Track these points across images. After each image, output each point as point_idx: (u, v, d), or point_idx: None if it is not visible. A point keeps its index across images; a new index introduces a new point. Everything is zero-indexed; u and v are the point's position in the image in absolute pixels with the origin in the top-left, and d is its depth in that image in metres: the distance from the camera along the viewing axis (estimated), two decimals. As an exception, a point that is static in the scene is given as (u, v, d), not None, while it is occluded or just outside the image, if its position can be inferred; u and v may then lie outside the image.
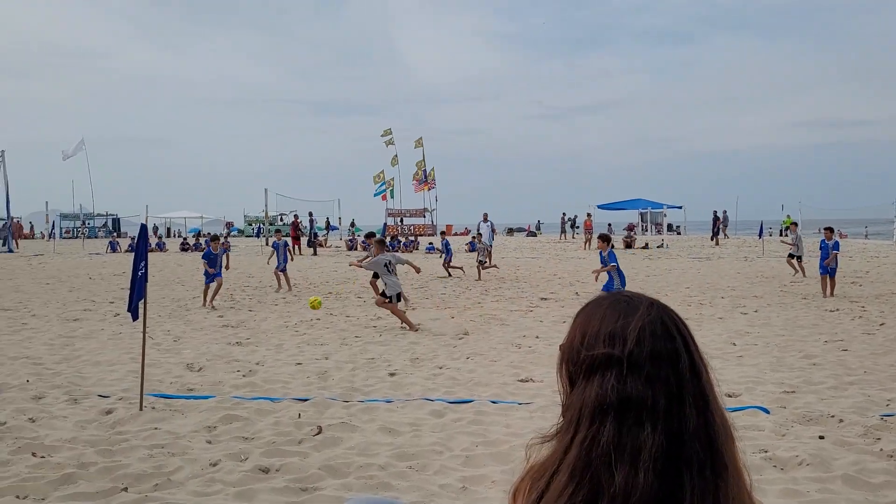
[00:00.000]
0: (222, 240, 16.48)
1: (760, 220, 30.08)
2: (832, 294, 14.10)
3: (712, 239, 37.67)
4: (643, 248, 34.34)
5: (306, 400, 6.26)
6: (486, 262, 20.60)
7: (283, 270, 16.64)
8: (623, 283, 11.56)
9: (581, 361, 1.16)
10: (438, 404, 6.14)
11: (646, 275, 20.29)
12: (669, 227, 49.34)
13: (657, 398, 1.09)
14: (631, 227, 43.52)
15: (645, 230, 48.67)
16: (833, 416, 5.54)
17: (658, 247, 34.71)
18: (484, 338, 9.80)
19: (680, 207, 47.17)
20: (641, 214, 49.60)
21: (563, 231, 45.43)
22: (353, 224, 49.16)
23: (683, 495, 1.05)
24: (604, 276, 12.02)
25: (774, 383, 6.83)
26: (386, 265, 10.94)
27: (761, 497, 3.97)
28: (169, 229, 59.42)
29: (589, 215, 37.63)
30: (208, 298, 13.51)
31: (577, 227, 46.57)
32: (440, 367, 7.83)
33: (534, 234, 53.96)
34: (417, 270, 12.52)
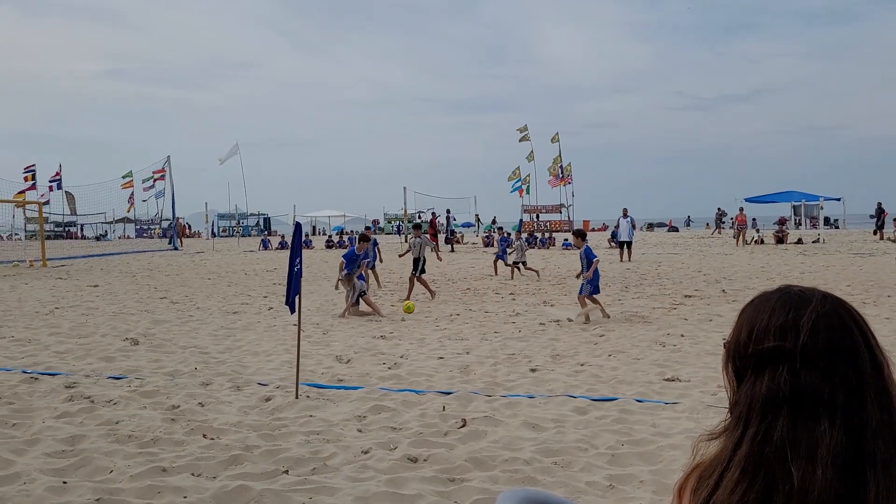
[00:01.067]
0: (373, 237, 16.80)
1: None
2: None
3: (875, 233, 34.84)
4: (796, 242, 32.32)
5: (450, 393, 6.40)
6: (524, 262, 18.96)
7: (373, 268, 16.94)
8: (595, 282, 11.23)
9: (749, 356, 1.15)
10: (581, 401, 6.09)
11: (800, 272, 19.10)
12: (826, 220, 46.10)
13: (835, 393, 1.06)
14: (782, 221, 41.05)
15: (799, 224, 45.74)
16: None
17: (814, 242, 32.56)
18: (626, 335, 9.60)
19: (838, 199, 43.82)
20: (794, 207, 46.63)
21: (718, 226, 43.63)
22: (494, 221, 49.38)
23: (868, 493, 1.02)
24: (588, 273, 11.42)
25: None
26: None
27: None
28: (314, 227, 62.33)
29: (741, 209, 35.82)
30: (347, 305, 12.13)
31: (724, 222, 44.53)
32: (581, 364, 7.75)
33: (675, 230, 52.09)
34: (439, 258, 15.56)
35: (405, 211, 41.48)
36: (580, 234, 12.14)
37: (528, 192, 52.14)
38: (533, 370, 7.50)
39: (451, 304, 13.46)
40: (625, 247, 25.10)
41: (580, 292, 11.47)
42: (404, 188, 40.25)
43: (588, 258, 11.40)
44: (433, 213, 39.34)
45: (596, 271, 11.30)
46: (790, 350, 1.10)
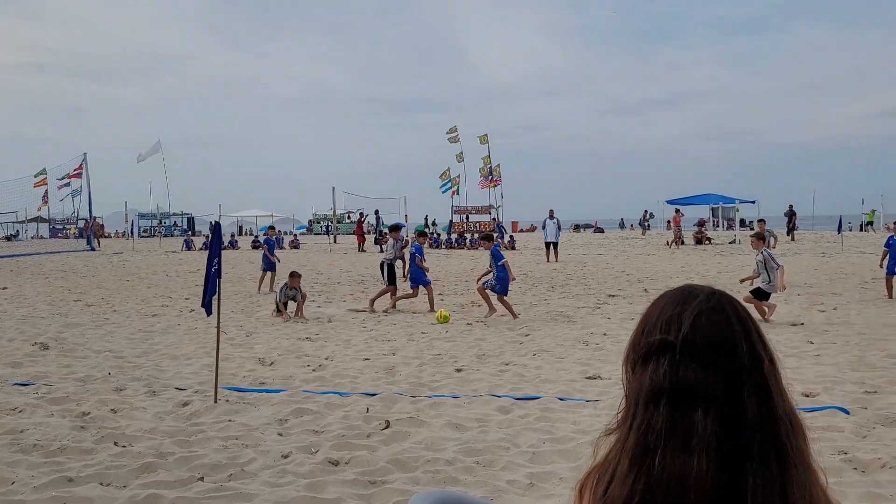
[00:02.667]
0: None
1: (839, 215, 28.94)
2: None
3: (788, 234, 36.42)
4: (707, 242, 33.45)
5: (374, 395, 6.34)
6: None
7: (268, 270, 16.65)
8: (501, 280, 11.49)
9: (640, 350, 1.18)
10: (505, 400, 6.13)
11: (717, 271, 19.77)
12: (742, 222, 47.92)
13: (710, 384, 1.07)
14: (701, 223, 42.46)
15: (716, 226, 47.40)
16: (919, 418, 5.29)
17: (730, 242, 33.78)
18: (551, 335, 9.73)
19: (753, 202, 45.63)
20: (713, 210, 48.30)
21: (644, 227, 44.90)
22: (434, 223, 49.10)
23: (746, 486, 1.03)
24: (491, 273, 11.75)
25: (855, 383, 6.57)
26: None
27: (842, 500, 3.83)
28: (241, 227, 61.06)
29: (678, 211, 36.83)
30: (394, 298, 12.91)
31: (648, 224, 45.81)
32: (507, 364, 7.81)
33: (601, 231, 53.26)
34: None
35: (334, 211, 41.08)
36: (487, 238, 12.46)
37: (458, 193, 52.39)
38: (458, 370, 7.51)
39: (379, 305, 13.36)
40: (551, 247, 25.50)
41: (485, 283, 11.67)
42: (333, 188, 39.88)
43: (495, 259, 11.55)
44: (361, 214, 39.10)
45: (504, 273, 11.43)
46: (672, 342, 1.12)
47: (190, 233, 51.09)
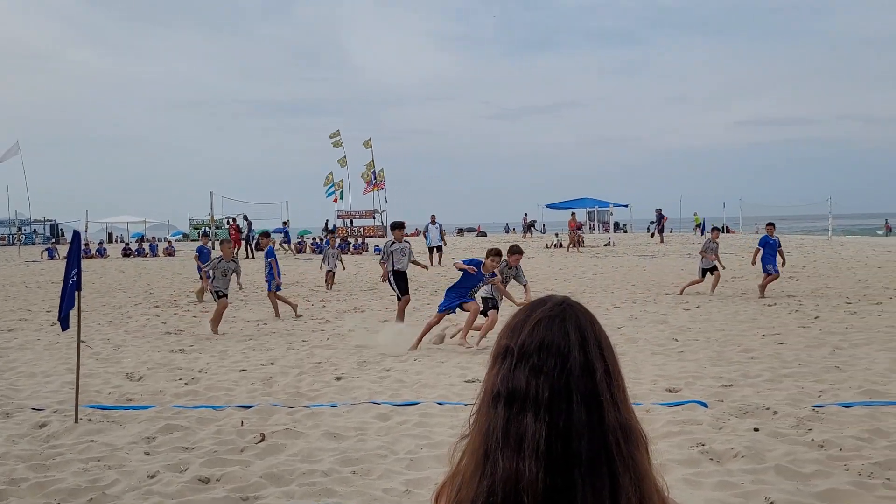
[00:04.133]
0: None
1: (702, 218, 30.81)
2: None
3: (653, 236, 38.38)
4: (558, 246, 34.58)
5: (250, 407, 6.17)
6: (334, 270, 18.02)
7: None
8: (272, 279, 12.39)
9: (491, 354, 1.21)
10: (384, 407, 6.11)
11: (593, 273, 20.57)
12: (616, 225, 50.12)
13: (540, 389, 1.10)
14: (578, 226, 44.03)
15: (593, 229, 49.31)
16: (768, 409, 5.70)
17: (605, 245, 35.22)
18: (431, 339, 9.78)
19: (626, 206, 47.90)
20: (589, 213, 50.23)
21: (526, 231, 46.06)
22: (327, 227, 48.14)
23: (576, 490, 1.06)
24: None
25: (713, 377, 7.00)
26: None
27: (696, 490, 4.06)
28: (111, 234, 57.85)
29: (573, 214, 37.92)
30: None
31: (532, 228, 47.08)
32: (387, 370, 7.80)
33: (484, 234, 54.22)
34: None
35: (212, 217, 39.70)
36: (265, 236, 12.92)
37: (342, 198, 51.93)
38: (338, 378, 7.43)
39: (257, 313, 13.04)
40: (434, 251, 25.72)
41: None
42: (210, 192, 38.54)
43: (266, 257, 12.75)
44: (232, 219, 37.96)
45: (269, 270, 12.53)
46: (510, 347, 1.16)
47: (54, 240, 47.92)
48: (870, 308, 11.77)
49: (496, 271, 9.41)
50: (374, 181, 52.14)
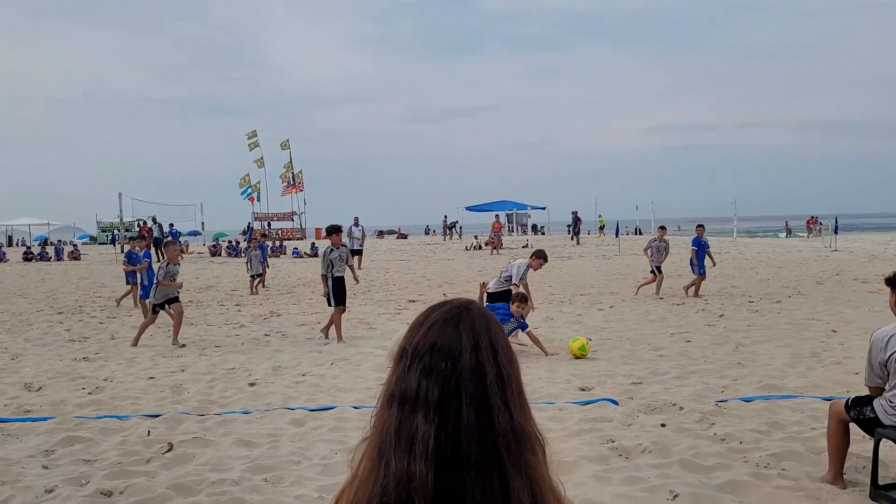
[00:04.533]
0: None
1: (616, 221, 31.68)
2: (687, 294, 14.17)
3: (572, 238, 39.25)
4: (477, 248, 34.96)
5: (158, 416, 5.96)
6: (262, 274, 17.48)
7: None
8: (149, 285, 11.68)
9: (395, 356, 1.21)
10: (299, 413, 6.02)
11: (511, 275, 20.83)
12: (534, 227, 50.96)
13: (430, 391, 1.11)
14: (497, 228, 44.53)
15: (511, 231, 49.97)
16: (674, 405, 5.90)
17: (523, 247, 35.74)
18: (350, 342, 9.72)
19: (544, 208, 48.77)
20: (508, 216, 50.90)
21: (446, 233, 46.23)
22: (249, 229, 46.88)
23: (466, 492, 1.07)
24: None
25: (624, 375, 7.20)
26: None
27: (605, 486, 4.16)
28: (10, 237, 54.90)
29: (497, 216, 38.13)
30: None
31: (453, 230, 47.31)
32: (303, 375, 7.68)
33: (404, 237, 54.20)
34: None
35: (121, 219, 38.21)
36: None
37: (258, 200, 50.94)
38: (252, 384, 7.27)
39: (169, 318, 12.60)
40: (355, 256, 25.50)
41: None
42: (119, 194, 37.09)
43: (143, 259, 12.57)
44: (142, 222, 36.70)
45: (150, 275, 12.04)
46: (406, 349, 1.17)
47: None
48: (770, 306, 12.36)
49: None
50: (292, 183, 51.42)
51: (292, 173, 51.45)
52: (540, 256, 9.77)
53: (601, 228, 45.74)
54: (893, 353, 3.81)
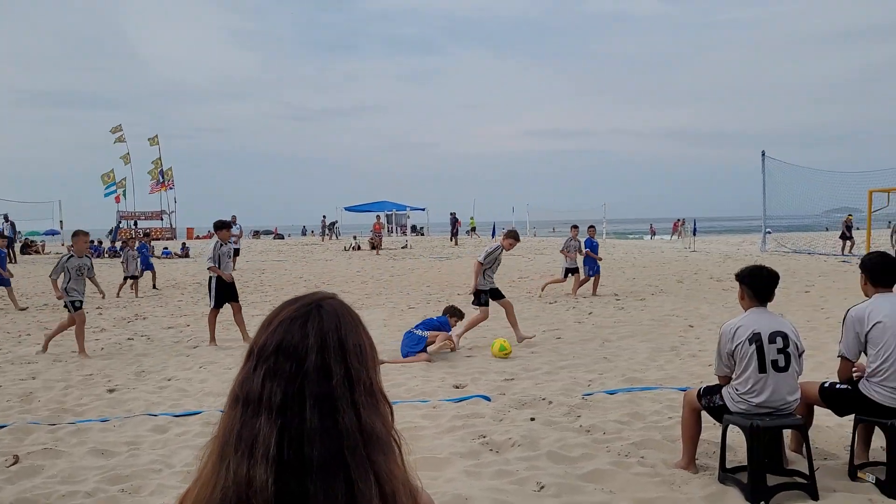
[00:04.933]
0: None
1: (493, 222, 32.37)
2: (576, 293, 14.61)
3: (451, 239, 39.77)
4: (356, 249, 34.87)
5: (2, 427, 5.51)
6: (136, 276, 16.60)
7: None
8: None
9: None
10: (162, 419, 5.74)
11: (390, 275, 20.82)
12: (413, 228, 51.26)
13: (273, 393, 1.07)
14: (377, 229, 44.46)
15: (391, 232, 50.07)
16: (544, 399, 6.07)
17: (403, 248, 35.86)
18: (221, 345, 9.39)
19: (423, 209, 49.16)
20: (387, 216, 50.93)
21: (325, 233, 45.61)
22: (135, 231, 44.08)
23: (308, 495, 1.03)
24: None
25: (497, 372, 7.34)
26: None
27: (476, 480, 4.22)
28: None
29: (378, 217, 37.73)
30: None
31: (331, 230, 46.78)
32: (168, 380, 7.34)
33: (281, 237, 53.07)
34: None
35: (-34, 217, 35.21)
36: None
37: (125, 198, 48.42)
38: (111, 391, 6.87)
39: (21, 323, 11.75)
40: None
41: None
42: (-35, 190, 34.16)
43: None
44: None
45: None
46: (253, 348, 1.12)
47: None
48: (635, 304, 12.99)
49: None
50: (161, 180, 49.20)
51: (161, 170, 49.25)
52: (511, 236, 9.58)
53: (472, 230, 46.69)
54: (739, 343, 4.08)
